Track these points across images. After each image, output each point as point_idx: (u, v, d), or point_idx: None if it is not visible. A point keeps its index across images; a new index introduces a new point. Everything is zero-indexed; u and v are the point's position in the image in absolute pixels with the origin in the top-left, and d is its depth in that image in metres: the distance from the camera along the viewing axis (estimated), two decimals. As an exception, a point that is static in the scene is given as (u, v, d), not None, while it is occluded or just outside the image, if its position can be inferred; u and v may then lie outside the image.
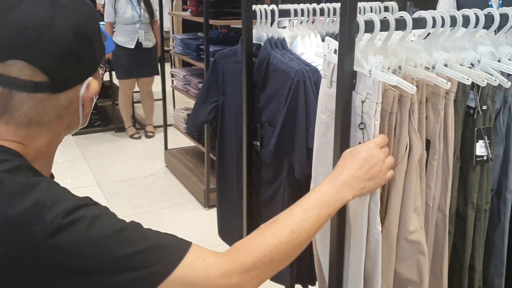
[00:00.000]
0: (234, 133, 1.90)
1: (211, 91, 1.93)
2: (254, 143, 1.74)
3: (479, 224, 1.31)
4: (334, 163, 1.19)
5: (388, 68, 1.12)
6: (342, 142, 1.17)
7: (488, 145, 1.24)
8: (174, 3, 6.01)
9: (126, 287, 0.76)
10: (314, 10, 1.71)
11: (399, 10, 1.83)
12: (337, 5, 1.77)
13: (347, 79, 1.13)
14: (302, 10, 1.70)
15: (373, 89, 1.08)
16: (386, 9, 1.84)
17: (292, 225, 0.91)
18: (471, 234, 1.31)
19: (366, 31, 1.11)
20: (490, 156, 1.24)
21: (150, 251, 0.77)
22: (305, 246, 0.94)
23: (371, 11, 1.81)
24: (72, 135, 4.85)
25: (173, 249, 0.80)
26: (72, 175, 4.21)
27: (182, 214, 3.53)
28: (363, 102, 1.12)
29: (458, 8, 2.49)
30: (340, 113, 1.15)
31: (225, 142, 1.98)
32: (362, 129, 1.12)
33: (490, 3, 2.59)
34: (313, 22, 1.75)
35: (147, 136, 5.18)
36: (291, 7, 1.70)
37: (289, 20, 1.73)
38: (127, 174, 4.21)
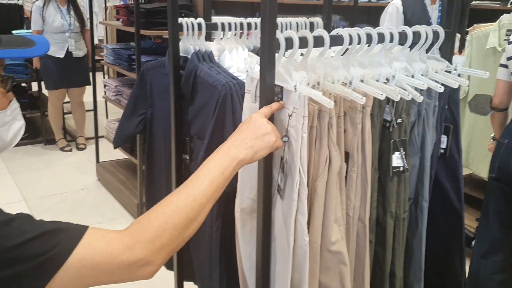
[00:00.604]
0: (163, 146, 1.87)
1: (138, 103, 1.90)
2: (183, 156, 1.73)
3: (398, 232, 1.37)
4: (259, 177, 1.21)
5: (308, 84, 1.15)
6: (267, 154, 1.19)
7: (404, 157, 1.30)
8: (107, 11, 5.88)
9: (25, 279, 0.72)
10: (241, 24, 1.73)
11: (324, 26, 1.89)
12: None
13: (269, 94, 1.15)
14: (229, 24, 1.71)
15: (299, 103, 1.11)
16: (312, 24, 1.89)
17: (186, 190, 0.93)
18: (391, 242, 1.37)
19: (286, 48, 1.14)
20: (406, 167, 1.31)
21: (44, 237, 0.75)
22: (208, 208, 0.95)
23: (297, 27, 1.85)
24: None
25: (68, 232, 0.78)
26: (-5, 191, 3.99)
27: (114, 229, 3.42)
28: (289, 116, 1.14)
29: (406, 24, 2.63)
30: (263, 127, 1.17)
31: (154, 155, 1.95)
32: (285, 141, 1.15)
33: (430, 20, 2.73)
34: (240, 36, 1.76)
35: (78, 149, 5.00)
36: (218, 20, 1.71)
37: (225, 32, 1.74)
38: (57, 189, 4.04)
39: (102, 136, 4.23)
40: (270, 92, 1.15)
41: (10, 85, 0.90)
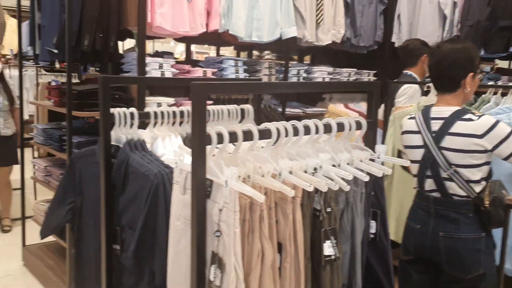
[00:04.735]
0: (93, 236, 1.80)
1: (67, 193, 1.83)
2: (114, 246, 1.67)
3: (334, 320, 1.37)
4: (192, 272, 1.18)
5: (239, 176, 1.17)
6: (199, 250, 1.17)
7: (335, 245, 1.32)
8: (39, 87, 5.76)
9: None
10: (174, 112, 1.76)
11: (254, 112, 1.95)
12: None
13: (201, 188, 1.16)
14: (162, 113, 1.74)
15: (230, 198, 1.12)
16: (243, 111, 1.95)
17: None
18: (327, 331, 1.35)
19: (218, 143, 1.16)
20: (338, 255, 1.32)
21: None
22: None
23: (229, 114, 1.90)
24: None
25: None
26: None
27: (39, 320, 3.16)
28: (220, 210, 1.14)
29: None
30: (196, 221, 1.16)
31: (84, 244, 1.87)
32: (218, 236, 1.14)
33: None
34: (173, 124, 1.78)
35: (3, 231, 4.67)
36: (151, 110, 1.73)
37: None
38: (-25, 277, 3.71)
39: (30, 217, 4.00)
40: (201, 186, 1.16)
41: None
